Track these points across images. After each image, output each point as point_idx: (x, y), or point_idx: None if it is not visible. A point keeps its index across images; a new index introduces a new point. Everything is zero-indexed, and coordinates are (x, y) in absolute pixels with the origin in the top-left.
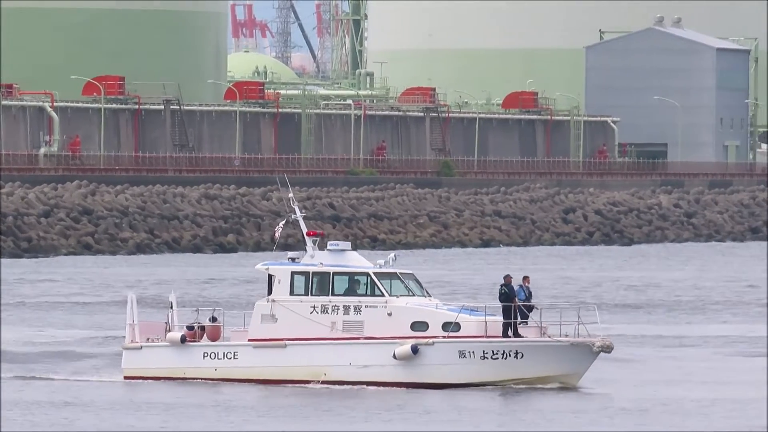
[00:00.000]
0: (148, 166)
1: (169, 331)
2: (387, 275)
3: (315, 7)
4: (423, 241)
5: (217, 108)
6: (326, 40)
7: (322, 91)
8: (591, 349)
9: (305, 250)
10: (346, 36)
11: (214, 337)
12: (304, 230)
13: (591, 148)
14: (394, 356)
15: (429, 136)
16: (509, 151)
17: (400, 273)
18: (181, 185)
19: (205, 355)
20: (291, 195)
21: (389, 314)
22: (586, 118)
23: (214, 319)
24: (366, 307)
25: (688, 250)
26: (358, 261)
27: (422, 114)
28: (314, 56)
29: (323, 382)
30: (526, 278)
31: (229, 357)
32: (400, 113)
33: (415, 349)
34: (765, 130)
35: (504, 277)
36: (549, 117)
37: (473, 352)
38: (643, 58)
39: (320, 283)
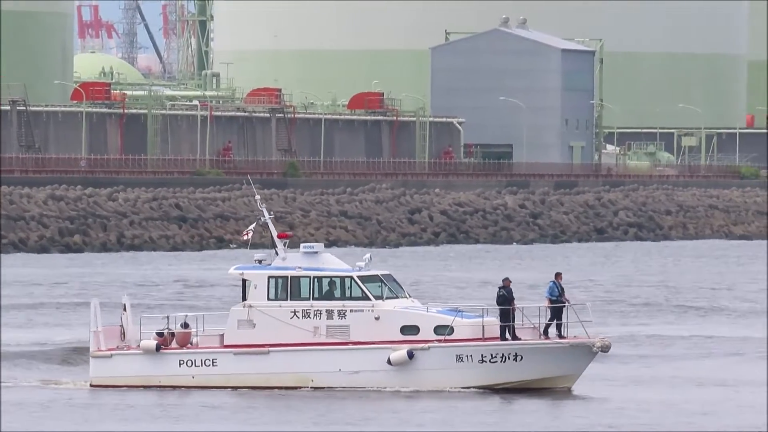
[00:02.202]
0: None
1: (124, 334)
2: (370, 278)
3: (161, 8)
4: (269, 241)
5: (63, 109)
6: (172, 41)
7: (168, 92)
8: (590, 349)
9: (275, 252)
10: (192, 37)
11: (183, 342)
12: (275, 233)
13: (437, 148)
14: (389, 361)
15: (275, 137)
16: (355, 151)
17: (381, 275)
18: (27, 186)
19: (182, 362)
20: (258, 197)
21: (377, 318)
22: (431, 119)
23: (186, 325)
24: (351, 311)
25: (537, 251)
26: (335, 263)
27: (268, 115)
28: (160, 57)
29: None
30: (558, 275)
31: (207, 364)
32: (246, 114)
33: (411, 354)
34: (610, 131)
35: (503, 280)
36: (395, 118)
37: (471, 355)
38: (489, 59)
39: (300, 288)
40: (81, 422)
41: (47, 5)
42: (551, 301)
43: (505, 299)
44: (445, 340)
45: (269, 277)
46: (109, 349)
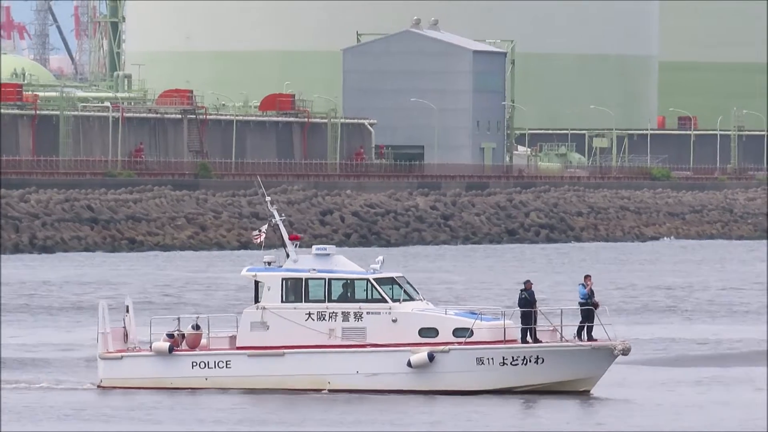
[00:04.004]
0: None
1: (126, 336)
2: (385, 280)
3: (73, 9)
4: (181, 242)
5: None
6: (84, 42)
7: (80, 93)
8: (612, 352)
9: (286, 253)
10: (104, 38)
11: (194, 344)
12: (286, 235)
13: (348, 150)
14: (409, 364)
15: (187, 138)
16: (267, 152)
17: (396, 277)
18: None
19: (195, 364)
20: (268, 199)
21: (394, 320)
22: (343, 120)
23: (197, 327)
24: (368, 313)
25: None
26: (347, 265)
27: (180, 116)
28: (72, 58)
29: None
30: (587, 277)
31: (221, 366)
32: (158, 115)
33: (431, 357)
34: (521, 132)
35: (524, 283)
36: (306, 119)
37: (492, 358)
38: (401, 61)
39: (315, 290)
40: (95, 423)
41: None
42: (580, 304)
43: (527, 302)
44: (466, 343)
45: (283, 279)
46: (119, 351)
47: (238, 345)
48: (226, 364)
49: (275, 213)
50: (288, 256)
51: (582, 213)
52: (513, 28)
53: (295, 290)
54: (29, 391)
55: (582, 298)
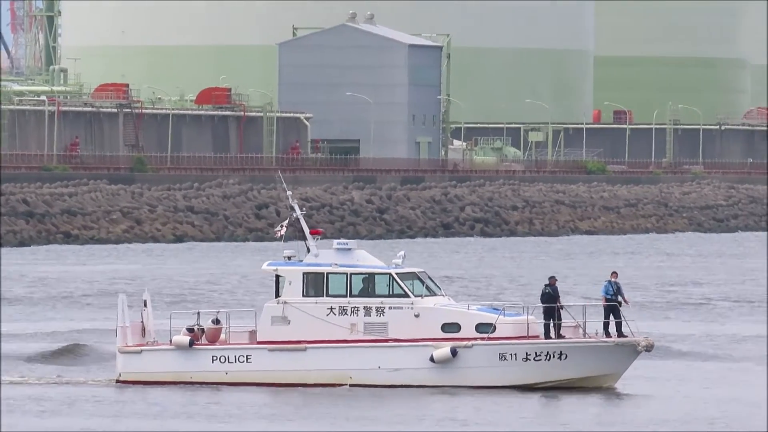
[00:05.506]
0: None
1: (144, 330)
2: (407, 275)
3: (9, 3)
4: (116, 236)
5: None
6: (20, 36)
7: (16, 87)
8: (635, 348)
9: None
10: (40, 32)
11: (214, 339)
12: (307, 229)
13: (284, 144)
14: (432, 359)
15: (122, 132)
16: (202, 147)
17: (418, 272)
18: None
19: (215, 358)
20: (290, 193)
21: (416, 315)
22: (279, 115)
23: (217, 321)
24: (390, 308)
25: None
26: (369, 260)
27: (116, 110)
28: (8, 52)
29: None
30: (614, 273)
31: (241, 360)
32: (94, 109)
33: (454, 352)
34: (457, 126)
35: (549, 278)
36: (242, 113)
37: (515, 354)
38: (336, 55)
39: (337, 284)
40: (112, 418)
41: None
42: (607, 300)
43: (550, 297)
44: (489, 338)
45: (304, 273)
46: (138, 345)
47: (258, 339)
48: (247, 359)
49: (296, 207)
50: (309, 250)
51: (517, 207)
52: (449, 22)
53: (316, 285)
54: (49, 386)
55: (606, 294)
